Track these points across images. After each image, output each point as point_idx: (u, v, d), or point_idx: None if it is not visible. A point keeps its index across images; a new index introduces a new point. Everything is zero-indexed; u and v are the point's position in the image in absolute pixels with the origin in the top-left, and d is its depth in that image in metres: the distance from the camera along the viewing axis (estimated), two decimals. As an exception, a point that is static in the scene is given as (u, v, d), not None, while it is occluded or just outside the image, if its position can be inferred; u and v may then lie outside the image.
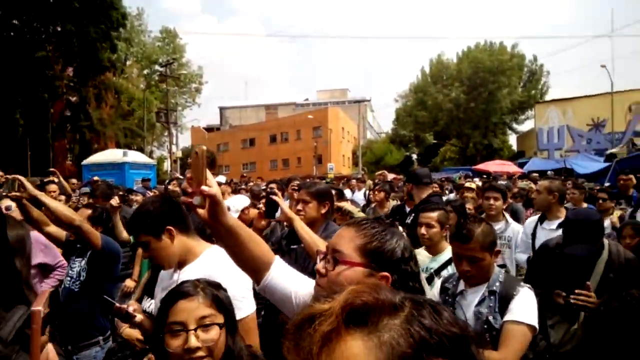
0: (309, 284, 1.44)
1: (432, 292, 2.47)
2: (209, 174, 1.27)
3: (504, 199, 3.85)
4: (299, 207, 2.82)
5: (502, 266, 3.37)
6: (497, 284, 2.18)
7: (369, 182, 11.31)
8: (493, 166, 22.87)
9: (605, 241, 2.80)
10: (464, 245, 2.18)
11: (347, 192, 10.60)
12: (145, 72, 43.14)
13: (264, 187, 6.88)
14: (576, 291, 2.51)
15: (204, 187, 1.24)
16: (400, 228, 1.94)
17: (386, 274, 1.26)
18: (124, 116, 31.76)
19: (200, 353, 1.44)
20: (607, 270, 2.68)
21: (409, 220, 3.83)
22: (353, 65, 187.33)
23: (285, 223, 3.14)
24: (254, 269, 1.45)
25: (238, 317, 1.88)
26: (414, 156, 50.03)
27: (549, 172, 19.62)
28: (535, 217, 3.84)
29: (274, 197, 2.48)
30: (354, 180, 12.07)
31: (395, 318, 0.62)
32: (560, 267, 2.75)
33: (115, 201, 4.11)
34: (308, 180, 4.98)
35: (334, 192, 4.34)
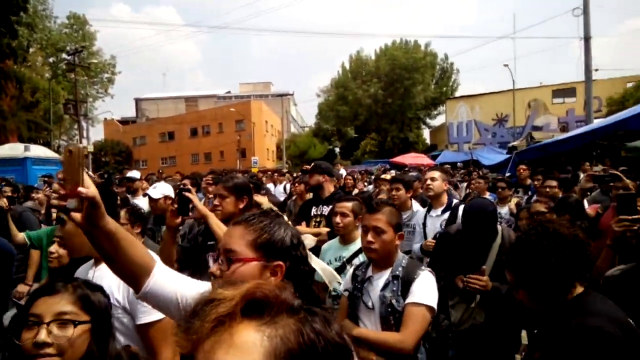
0: (196, 285, 1.38)
1: (345, 278, 2.57)
2: (85, 174, 1.18)
3: (406, 189, 4.11)
4: (216, 202, 2.76)
5: (408, 252, 3.56)
6: (400, 268, 2.31)
7: (288, 175, 11.42)
8: (409, 159, 24.06)
9: (499, 227, 3.05)
10: (372, 215, 2.35)
11: (270, 186, 10.66)
12: (51, 60, 39.82)
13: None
14: (470, 275, 2.78)
15: (81, 189, 1.15)
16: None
17: (280, 262, 1.31)
18: (27, 108, 29.05)
19: (49, 350, 1.31)
20: (500, 254, 2.89)
21: (324, 212, 3.96)
22: (276, 59, 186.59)
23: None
24: (134, 275, 1.33)
25: (148, 320, 1.88)
26: (337, 149, 51.03)
27: (458, 164, 21.07)
28: (424, 209, 4.15)
29: (187, 194, 2.45)
30: (276, 174, 12.16)
31: (290, 317, 0.65)
32: (459, 252, 2.98)
33: (3, 202, 3.82)
34: (230, 174, 4.93)
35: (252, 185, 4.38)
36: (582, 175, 7.20)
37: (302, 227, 4.05)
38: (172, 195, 3.89)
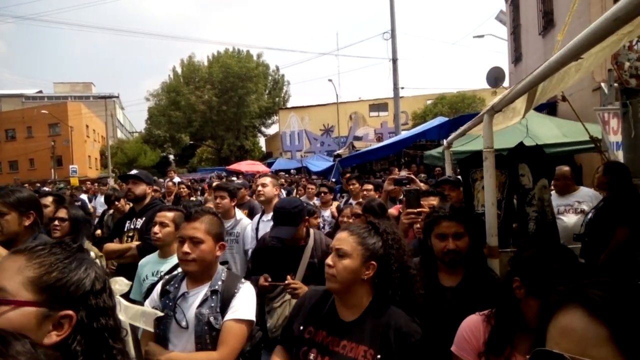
0: None
1: (151, 296, 2.37)
2: None
3: (231, 197, 4.17)
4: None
5: (225, 262, 3.50)
6: (220, 282, 2.18)
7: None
8: (245, 166, 24.35)
9: (312, 231, 3.15)
10: (189, 224, 2.17)
11: (83, 197, 9.73)
12: None
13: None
14: (287, 282, 2.73)
15: None
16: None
17: (69, 312, 1.04)
18: None
19: None
20: (312, 257, 2.97)
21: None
22: (101, 58, 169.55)
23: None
24: None
25: None
26: (171, 157, 48.72)
27: (292, 171, 22.09)
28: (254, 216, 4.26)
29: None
30: (97, 183, 11.13)
31: None
32: (274, 256, 3.03)
33: None
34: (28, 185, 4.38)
35: (51, 198, 3.94)
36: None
37: (111, 245, 3.82)
38: None
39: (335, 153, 20.10)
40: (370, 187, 5.50)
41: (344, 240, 1.83)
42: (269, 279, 2.81)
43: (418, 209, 2.66)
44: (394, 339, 1.72)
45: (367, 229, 1.87)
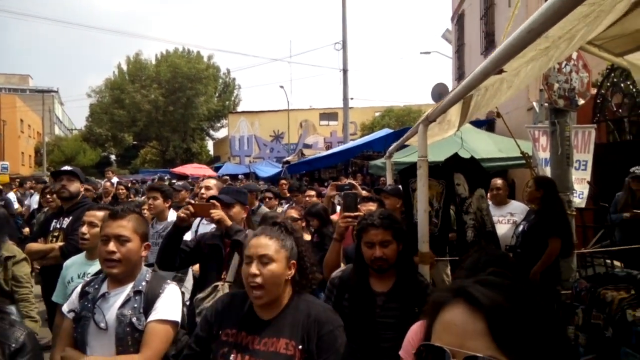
0: None
1: (71, 298, 2.25)
2: None
3: (165, 198, 4.05)
4: None
5: (151, 265, 3.28)
6: (144, 283, 2.12)
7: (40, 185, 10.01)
8: (190, 169, 23.80)
9: (248, 232, 3.11)
10: (114, 222, 2.09)
11: (11, 195, 9.12)
12: None
13: None
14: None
15: None
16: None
17: None
18: None
19: None
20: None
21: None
22: (39, 49, 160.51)
23: None
24: None
25: None
26: (113, 157, 46.79)
27: (239, 176, 21.82)
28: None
29: None
30: (29, 182, 10.48)
31: None
32: (210, 256, 2.98)
33: None
34: None
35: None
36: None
37: (33, 245, 3.60)
38: None
39: (285, 160, 20.11)
40: (312, 193, 5.57)
41: (265, 245, 1.79)
42: (191, 208, 2.75)
43: (355, 213, 2.68)
44: (313, 328, 1.75)
45: (280, 230, 1.86)
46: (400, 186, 4.26)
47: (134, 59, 39.89)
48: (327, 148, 27.24)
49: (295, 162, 16.88)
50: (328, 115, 34.15)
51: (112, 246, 2.03)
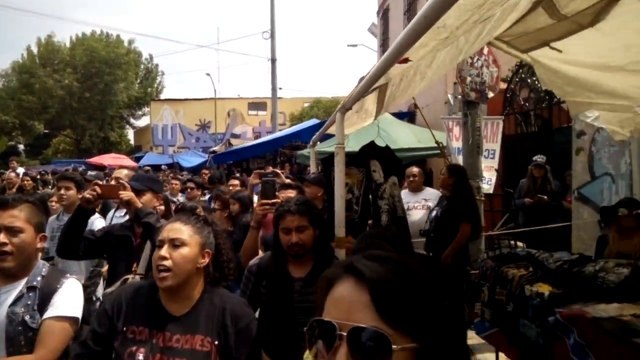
0: None
1: None
2: None
3: (78, 188, 3.84)
4: None
5: (50, 258, 3.20)
6: (39, 278, 1.98)
7: None
8: (108, 159, 22.50)
9: (163, 221, 3.18)
10: (5, 212, 1.95)
11: None
12: None
13: None
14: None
15: None
16: None
17: None
18: None
19: None
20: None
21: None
22: None
23: None
24: None
25: None
26: (21, 146, 43.05)
27: (162, 167, 20.99)
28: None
29: None
30: None
31: None
32: (119, 248, 2.86)
33: None
34: None
35: None
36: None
37: None
38: None
39: (211, 150, 19.65)
40: (236, 182, 5.53)
41: (178, 230, 1.76)
42: (98, 189, 2.63)
43: (272, 200, 2.67)
44: (230, 323, 1.73)
45: (197, 220, 1.84)
46: (322, 175, 4.34)
47: (46, 42, 36.80)
48: (256, 138, 26.96)
49: (222, 152, 16.55)
50: (257, 104, 33.73)
51: (2, 237, 1.87)
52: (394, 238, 1.74)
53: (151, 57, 40.83)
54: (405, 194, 5.09)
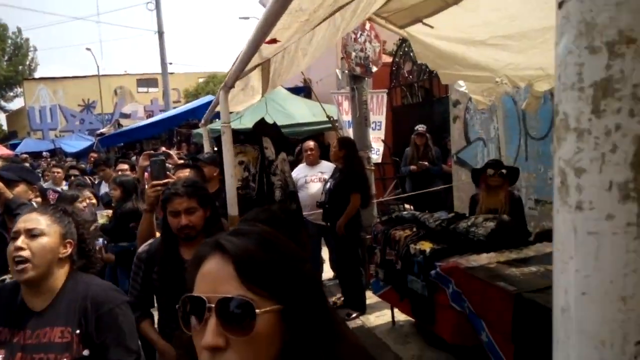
0: None
1: None
2: None
3: None
4: None
5: None
6: None
7: None
8: (-24, 148, 19.87)
9: None
10: None
11: None
12: None
13: None
14: None
15: None
16: None
17: None
18: None
19: None
20: None
21: None
22: None
23: None
24: None
25: None
26: None
27: (44, 153, 19.07)
28: None
29: None
30: None
31: None
32: None
33: None
34: None
35: None
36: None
37: None
38: None
39: (98, 132, 18.23)
40: (125, 166, 5.24)
41: (35, 220, 1.67)
42: None
43: (164, 181, 2.56)
44: (90, 310, 1.68)
45: (56, 209, 1.77)
46: (216, 154, 4.29)
47: None
48: (148, 117, 25.44)
49: (110, 134, 15.43)
50: (147, 81, 31.66)
51: None
52: (270, 219, 1.77)
53: (19, 30, 36.22)
54: (302, 167, 5.21)
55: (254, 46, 1.45)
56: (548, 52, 3.11)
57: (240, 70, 1.89)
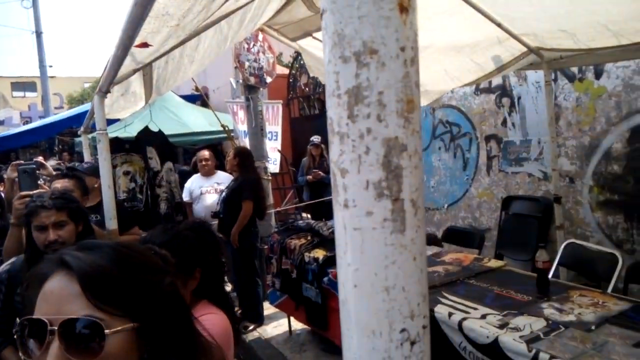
0: None
1: None
2: None
3: None
4: None
5: None
6: None
7: None
8: None
9: None
10: None
11: None
12: None
13: None
14: None
15: None
16: None
17: None
18: None
19: None
20: None
21: None
22: None
23: None
24: None
25: None
26: None
27: None
28: None
29: None
30: None
31: None
32: None
33: None
34: None
35: None
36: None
37: None
38: None
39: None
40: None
41: None
42: None
43: (35, 191, 2.31)
44: None
45: None
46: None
47: None
48: (25, 124, 22.96)
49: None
50: (23, 85, 28.62)
51: None
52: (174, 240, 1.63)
53: None
54: (197, 178, 5.03)
55: (123, 49, 1.37)
56: (425, 69, 3.36)
57: (114, 74, 1.77)
